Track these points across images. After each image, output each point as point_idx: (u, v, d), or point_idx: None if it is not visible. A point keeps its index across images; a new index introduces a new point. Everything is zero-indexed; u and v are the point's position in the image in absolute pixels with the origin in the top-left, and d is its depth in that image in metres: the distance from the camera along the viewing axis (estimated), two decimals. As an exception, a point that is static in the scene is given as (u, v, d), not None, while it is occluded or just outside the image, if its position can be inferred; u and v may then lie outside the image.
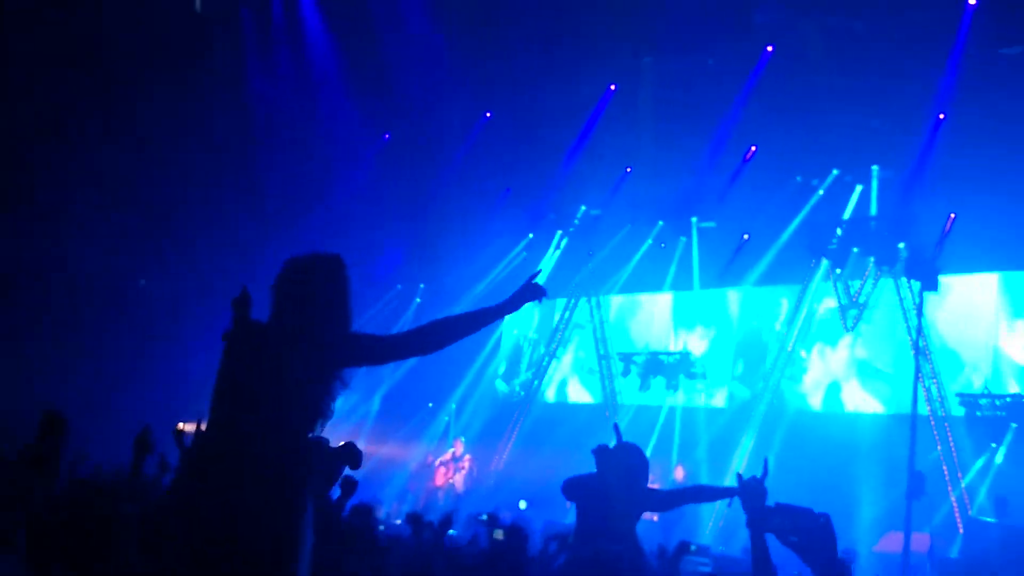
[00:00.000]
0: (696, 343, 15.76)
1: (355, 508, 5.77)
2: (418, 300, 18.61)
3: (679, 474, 12.68)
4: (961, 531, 10.80)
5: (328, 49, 15.48)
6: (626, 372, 15.49)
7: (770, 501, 2.82)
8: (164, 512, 3.40)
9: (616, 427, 5.60)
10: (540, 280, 3.71)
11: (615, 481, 5.32)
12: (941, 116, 12.33)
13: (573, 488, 5.52)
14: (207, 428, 3.23)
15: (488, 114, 15.88)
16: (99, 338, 14.22)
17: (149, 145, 14.42)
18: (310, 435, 3.32)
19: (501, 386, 18.03)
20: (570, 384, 17.54)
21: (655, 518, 9.98)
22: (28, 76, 12.97)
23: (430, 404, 17.21)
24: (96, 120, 13.81)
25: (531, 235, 17.46)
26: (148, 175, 14.69)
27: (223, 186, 15.48)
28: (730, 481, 13.45)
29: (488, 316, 3.55)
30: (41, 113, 13.28)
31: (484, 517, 6.00)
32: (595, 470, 5.48)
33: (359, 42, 14.90)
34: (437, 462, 15.00)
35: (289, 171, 15.80)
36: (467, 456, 14.82)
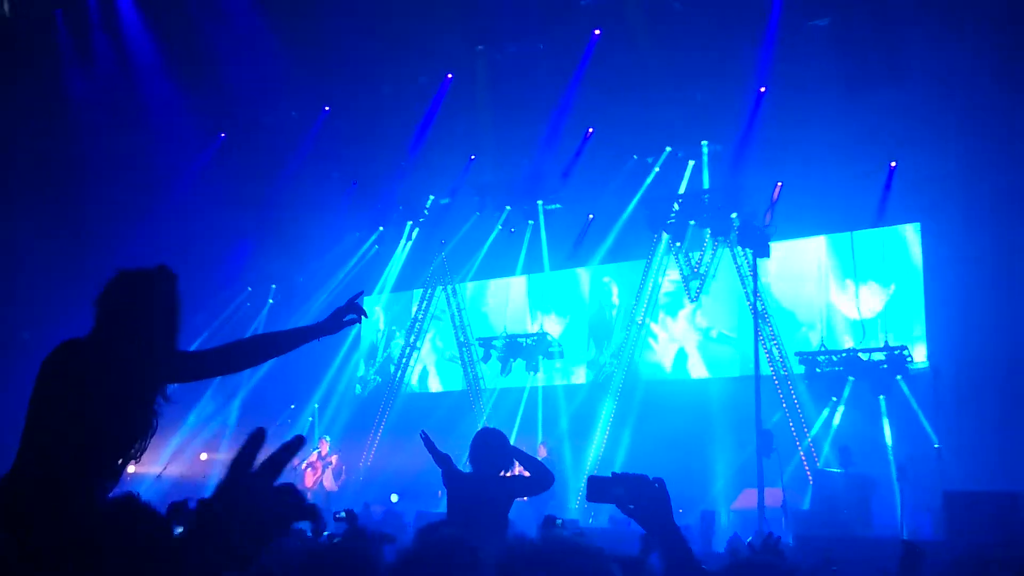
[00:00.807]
0: (552, 323, 16.08)
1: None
2: (271, 301, 18.22)
3: (542, 452, 12.93)
4: (811, 482, 11.42)
5: (152, 48, 14.87)
6: (486, 357, 15.65)
7: (611, 472, 2.94)
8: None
9: (424, 435, 5.72)
10: (363, 298, 3.72)
11: (485, 470, 5.43)
12: (762, 89, 12.95)
13: (448, 478, 5.61)
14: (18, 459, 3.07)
15: (327, 108, 15.64)
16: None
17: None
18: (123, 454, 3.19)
19: (360, 388, 17.93)
20: (431, 373, 17.59)
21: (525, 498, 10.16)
22: None
23: (292, 406, 16.90)
24: None
25: (381, 228, 17.36)
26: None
27: (46, 197, 14.66)
28: (593, 454, 13.85)
29: (303, 336, 3.49)
30: None
31: (342, 514, 5.98)
32: (461, 459, 5.57)
33: (184, 40, 14.37)
34: (304, 464, 14.76)
35: (121, 177, 15.09)
36: (334, 455, 14.66)
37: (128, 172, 15.10)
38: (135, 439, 3.13)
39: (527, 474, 5.65)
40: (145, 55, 14.92)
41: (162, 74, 15.01)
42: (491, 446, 5.59)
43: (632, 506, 2.74)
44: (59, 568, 2.84)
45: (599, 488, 2.81)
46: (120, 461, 3.10)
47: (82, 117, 14.92)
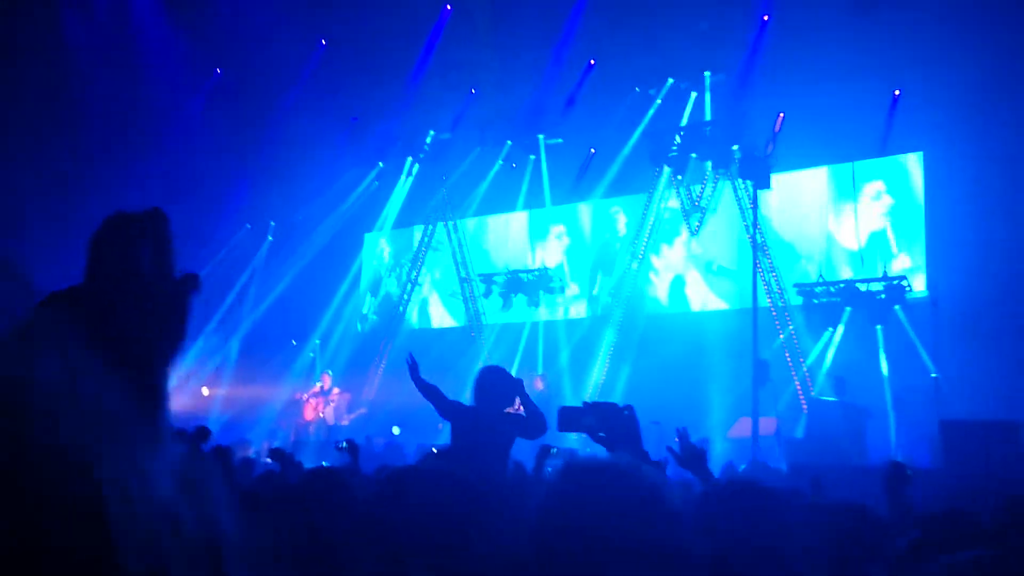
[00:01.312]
0: (553, 258, 16.07)
1: (213, 451, 5.75)
2: (270, 238, 18.22)
3: (538, 385, 13.03)
4: (805, 411, 11.52)
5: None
6: (487, 293, 15.69)
7: (589, 400, 2.96)
8: None
9: (410, 360, 5.97)
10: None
11: (488, 407, 5.49)
12: (765, 17, 12.76)
13: (449, 410, 5.67)
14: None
15: (324, 42, 15.46)
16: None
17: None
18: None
19: (360, 325, 17.99)
20: (432, 308, 17.65)
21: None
22: None
23: (294, 342, 17.02)
24: None
25: (381, 164, 17.28)
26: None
27: (46, 137, 14.61)
28: (592, 387, 13.96)
29: None
30: None
31: (343, 444, 6.07)
32: (462, 395, 5.64)
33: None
34: (305, 396, 14.93)
35: (119, 115, 15.01)
36: (335, 389, 14.79)
37: (125, 112, 15.02)
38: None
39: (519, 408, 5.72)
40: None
41: (157, 12, 14.83)
42: (494, 384, 5.65)
43: (602, 434, 2.78)
44: None
45: (570, 418, 2.84)
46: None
47: (80, 59, 14.79)
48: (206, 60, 15.61)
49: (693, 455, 3.24)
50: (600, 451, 2.96)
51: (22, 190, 14.36)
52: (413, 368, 5.83)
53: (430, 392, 5.76)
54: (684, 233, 14.62)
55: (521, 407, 5.78)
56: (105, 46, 14.79)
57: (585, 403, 2.85)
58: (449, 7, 14.43)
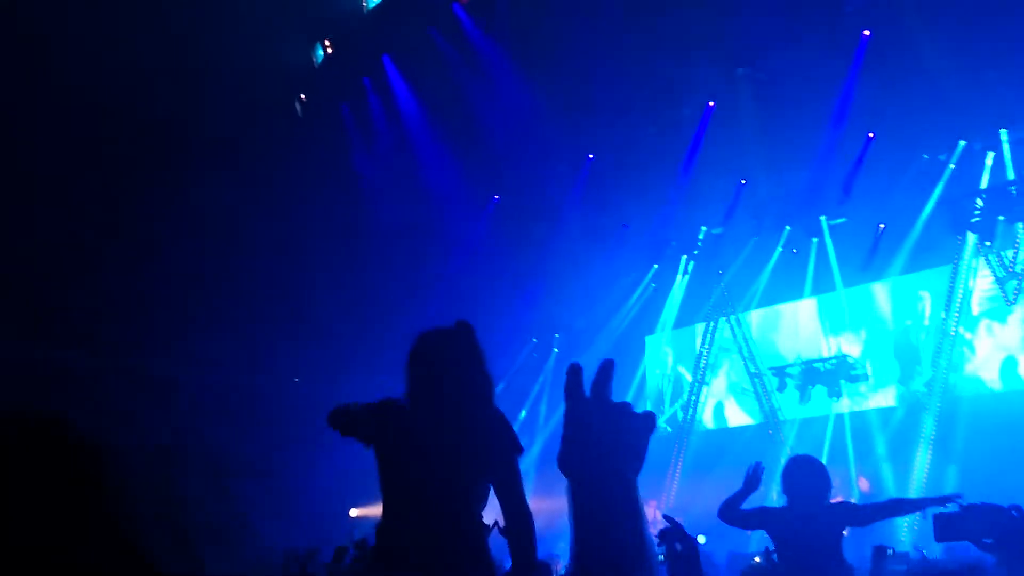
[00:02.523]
0: (850, 345, 15.11)
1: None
2: (556, 350, 18.60)
3: (863, 484, 12.09)
4: None
5: (424, 122, 15.89)
6: (782, 387, 15.00)
7: (958, 503, 2.62)
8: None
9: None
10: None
11: (803, 501, 5.12)
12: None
13: (754, 520, 5.34)
14: (384, 518, 3.20)
15: (591, 156, 15.89)
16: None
17: (268, 246, 15.17)
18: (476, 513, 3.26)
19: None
20: (727, 407, 17.08)
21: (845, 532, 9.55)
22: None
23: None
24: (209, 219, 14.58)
25: (656, 265, 17.26)
26: (279, 276, 15.40)
27: (341, 264, 16.03)
28: (916, 480, 12.78)
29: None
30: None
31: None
32: (767, 496, 5.30)
33: (453, 110, 15.24)
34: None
35: (405, 244, 16.19)
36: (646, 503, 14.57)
37: (411, 239, 16.18)
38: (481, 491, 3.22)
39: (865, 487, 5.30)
40: (419, 130, 15.99)
41: (436, 144, 16.00)
42: (808, 474, 5.27)
43: (990, 540, 2.43)
44: None
45: (948, 525, 2.51)
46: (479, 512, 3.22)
47: (370, 191, 16.22)
48: (482, 185, 16.52)
49: None
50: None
51: (327, 312, 15.77)
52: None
53: (732, 513, 5.38)
54: (1017, 311, 13.23)
55: (840, 497, 5.35)
56: (391, 177, 16.12)
57: (962, 507, 2.50)
58: (712, 103, 14.39)
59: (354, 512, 16.52)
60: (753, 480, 5.33)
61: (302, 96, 16.03)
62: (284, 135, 15.41)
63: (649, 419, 1.35)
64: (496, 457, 3.22)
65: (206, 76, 13.45)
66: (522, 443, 3.27)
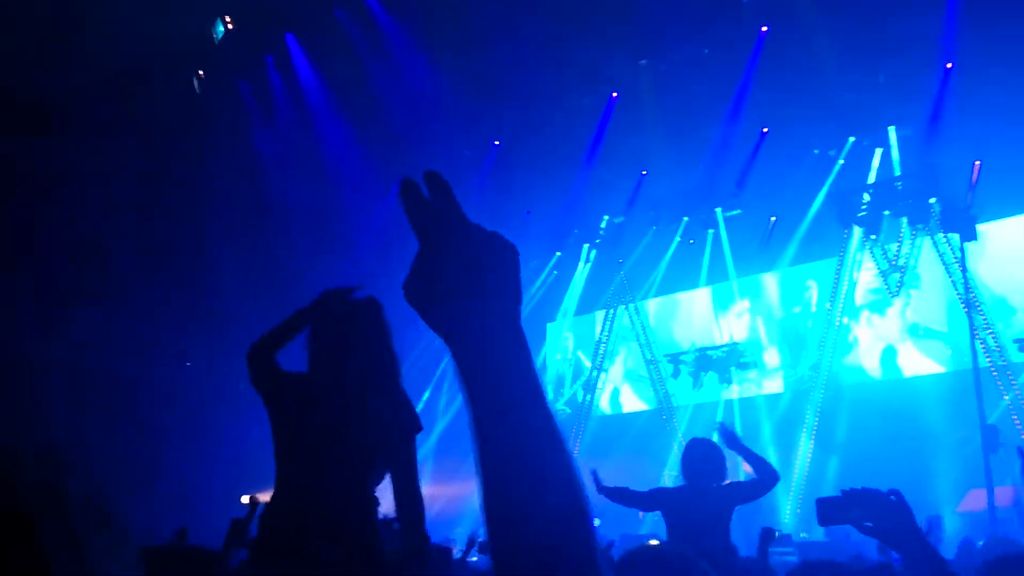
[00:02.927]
0: (742, 333, 15.59)
1: (435, 551, 5.74)
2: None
3: (747, 467, 12.49)
4: (1044, 478, 10.48)
5: (326, 101, 15.65)
6: (676, 373, 15.36)
7: (836, 490, 2.73)
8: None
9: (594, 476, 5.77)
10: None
11: (699, 482, 5.28)
12: (949, 65, 12.16)
13: (650, 500, 5.49)
14: (276, 492, 3.15)
15: (497, 142, 15.92)
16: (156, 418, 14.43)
17: (165, 223, 14.76)
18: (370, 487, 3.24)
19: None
20: (623, 394, 17.41)
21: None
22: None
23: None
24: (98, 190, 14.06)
25: (559, 253, 17.43)
26: (171, 254, 15.00)
27: (245, 253, 15.70)
28: (800, 464, 13.27)
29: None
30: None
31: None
32: (659, 478, 5.46)
33: (357, 90, 15.06)
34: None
35: (309, 229, 15.95)
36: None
37: (314, 220, 15.95)
38: (377, 468, 3.19)
39: (749, 470, 5.48)
40: (323, 111, 15.73)
41: (340, 127, 15.77)
42: (705, 457, 5.43)
43: (870, 524, 2.53)
44: None
45: (831, 510, 2.59)
46: (372, 488, 3.19)
47: (272, 170, 15.91)
48: (387, 167, 16.37)
49: None
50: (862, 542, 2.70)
51: (225, 293, 15.43)
52: (598, 484, 5.72)
53: (620, 496, 5.59)
54: (897, 303, 13.84)
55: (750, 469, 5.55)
56: (293, 157, 15.84)
57: (844, 492, 2.61)
58: (615, 94, 14.58)
59: (245, 499, 16.24)
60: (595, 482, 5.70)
61: (200, 72, 15.57)
62: (182, 111, 14.96)
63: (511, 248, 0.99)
64: (396, 435, 3.21)
65: (100, 49, 12.96)
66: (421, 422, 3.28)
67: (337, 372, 3.20)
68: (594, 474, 5.82)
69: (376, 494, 3.27)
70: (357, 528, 3.08)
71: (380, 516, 3.28)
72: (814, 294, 15.01)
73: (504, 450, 0.95)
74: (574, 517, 0.92)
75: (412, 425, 3.23)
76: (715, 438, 5.85)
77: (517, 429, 0.95)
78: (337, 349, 3.22)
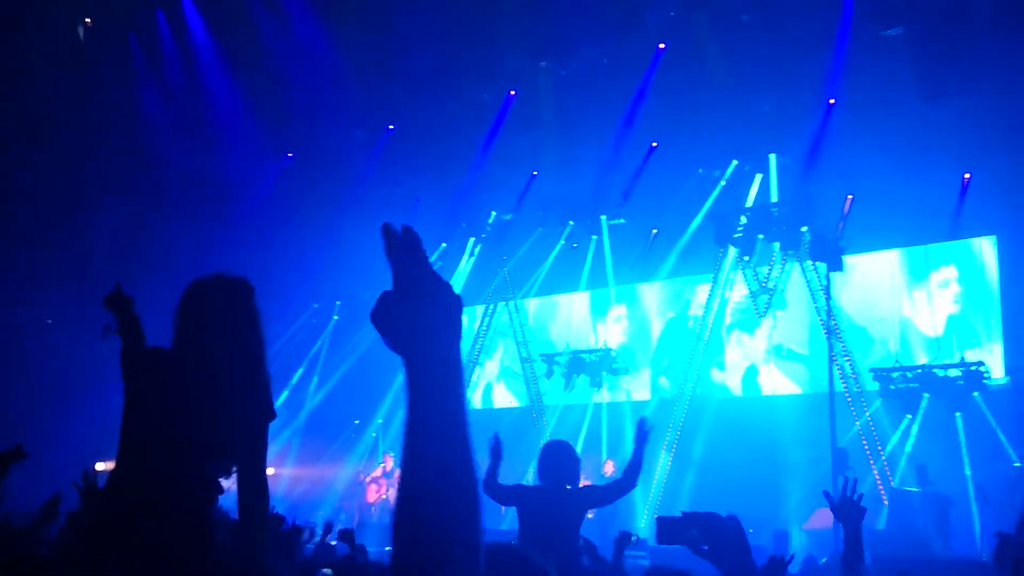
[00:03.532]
0: (616, 339, 15.93)
1: (286, 532, 5.67)
2: (336, 317, 18.37)
3: (608, 468, 12.78)
4: (886, 502, 11.10)
5: (221, 68, 15.18)
6: (549, 373, 15.57)
7: (690, 501, 2.83)
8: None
9: (495, 441, 5.57)
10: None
11: (554, 484, 5.36)
12: (831, 101, 12.71)
13: (510, 496, 5.54)
14: (114, 466, 3.03)
15: (391, 127, 15.77)
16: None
17: (36, 171, 14.02)
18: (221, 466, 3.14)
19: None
20: (495, 389, 17.54)
21: (591, 515, 10.09)
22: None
23: (356, 421, 16.98)
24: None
25: (444, 244, 17.40)
26: (43, 207, 14.26)
27: (121, 215, 15.06)
28: (659, 472, 13.64)
29: None
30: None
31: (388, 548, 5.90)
32: (524, 475, 5.53)
33: (253, 62, 14.67)
34: (368, 478, 14.82)
35: (190, 195, 15.42)
36: (398, 470, 14.67)
37: (199, 187, 15.43)
38: (225, 453, 3.08)
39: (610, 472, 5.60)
40: (214, 75, 15.25)
41: (231, 93, 15.32)
42: (560, 458, 5.53)
43: (706, 547, 2.63)
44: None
45: (670, 529, 2.67)
46: (214, 472, 3.07)
47: (156, 134, 15.30)
48: (277, 140, 16.00)
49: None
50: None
51: (99, 252, 14.76)
52: (496, 454, 5.58)
53: (497, 494, 5.58)
54: (765, 324, 14.38)
55: (588, 481, 5.66)
56: (179, 121, 15.28)
57: (684, 513, 2.70)
58: (513, 92, 14.65)
59: (100, 466, 15.62)
60: (496, 451, 5.52)
61: (87, 20, 14.84)
62: (65, 58, 14.23)
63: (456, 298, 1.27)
64: (247, 422, 3.13)
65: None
66: (275, 410, 3.22)
67: (198, 350, 3.10)
68: (496, 440, 5.66)
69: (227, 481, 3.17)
70: (188, 512, 2.98)
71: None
72: (688, 309, 15.47)
73: (427, 451, 1.23)
74: (469, 514, 1.22)
75: (266, 411, 3.17)
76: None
77: (441, 436, 1.23)
78: (202, 327, 3.12)
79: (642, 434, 5.63)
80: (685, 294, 15.57)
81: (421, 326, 1.25)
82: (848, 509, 3.15)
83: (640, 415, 14.34)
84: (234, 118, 15.37)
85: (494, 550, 2.32)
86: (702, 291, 15.00)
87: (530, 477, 13.47)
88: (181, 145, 15.13)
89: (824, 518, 10.59)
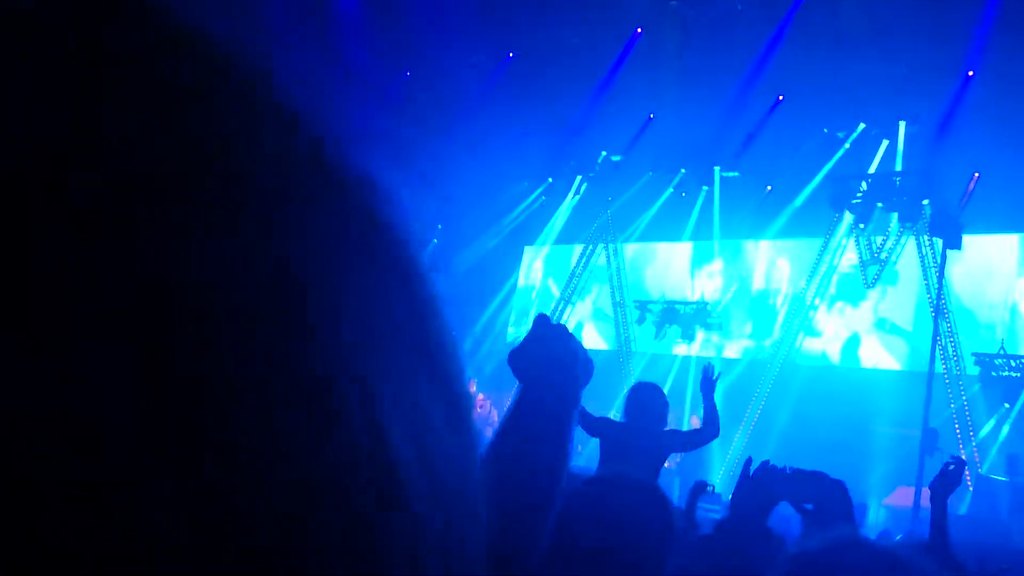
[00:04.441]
0: (713, 294, 15.71)
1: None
2: (435, 241, 18.57)
3: (694, 422, 12.72)
4: (971, 488, 10.82)
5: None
6: (641, 320, 15.49)
7: (784, 464, 2.73)
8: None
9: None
10: None
11: (640, 422, 5.36)
12: (970, 73, 12.10)
13: (597, 427, 5.57)
14: None
15: (511, 54, 15.65)
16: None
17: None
18: None
19: (511, 335, 18.05)
20: (586, 330, 17.55)
21: (670, 464, 10.09)
22: None
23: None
24: None
25: (550, 179, 17.35)
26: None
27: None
28: (742, 434, 13.54)
29: None
30: None
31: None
32: (609, 416, 5.54)
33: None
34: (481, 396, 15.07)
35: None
36: (480, 395, 14.89)
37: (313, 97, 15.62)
38: None
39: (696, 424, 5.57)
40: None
41: (352, 14, 15.37)
42: (649, 398, 5.51)
43: (810, 506, 2.54)
44: None
45: (771, 481, 2.57)
46: None
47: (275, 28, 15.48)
48: (394, 60, 16.04)
49: None
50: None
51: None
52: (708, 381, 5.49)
53: (588, 425, 5.59)
54: (871, 295, 13.97)
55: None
56: (301, 21, 15.36)
57: (791, 469, 2.62)
58: (640, 30, 14.34)
59: None
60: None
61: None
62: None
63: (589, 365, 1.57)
64: None
65: None
66: None
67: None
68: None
69: None
70: None
71: None
72: (788, 271, 15.12)
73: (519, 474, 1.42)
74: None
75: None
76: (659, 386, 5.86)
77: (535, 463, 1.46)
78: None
79: (708, 382, 5.52)
80: (790, 256, 15.19)
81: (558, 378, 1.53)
82: (947, 482, 3.05)
83: (730, 374, 14.23)
84: (352, 33, 15.44)
85: (605, 481, 2.34)
86: (808, 255, 14.61)
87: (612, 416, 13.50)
88: (296, 54, 15.29)
89: (905, 496, 10.39)
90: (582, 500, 1.97)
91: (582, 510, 1.92)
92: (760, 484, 2.51)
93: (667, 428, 5.68)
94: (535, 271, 18.24)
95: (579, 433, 5.66)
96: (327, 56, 15.51)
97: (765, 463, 2.58)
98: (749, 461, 2.63)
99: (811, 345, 14.57)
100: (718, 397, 13.67)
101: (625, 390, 6.68)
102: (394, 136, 15.99)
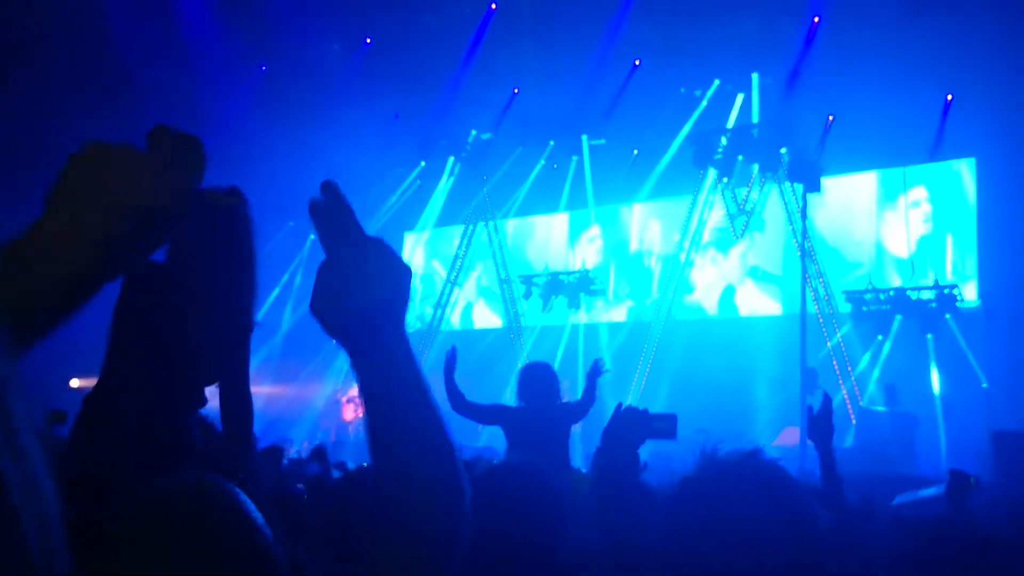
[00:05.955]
0: (593, 260, 15.96)
1: (263, 452, 5.74)
2: (312, 236, 18.22)
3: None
4: (854, 421, 11.32)
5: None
6: (527, 294, 15.61)
7: (659, 409, 2.96)
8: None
9: (451, 355, 5.68)
10: None
11: (537, 404, 5.41)
12: (815, 19, 12.54)
13: (490, 415, 5.59)
14: (98, 381, 3.01)
15: (368, 40, 15.43)
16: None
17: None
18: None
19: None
20: (475, 309, 17.60)
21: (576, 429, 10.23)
22: None
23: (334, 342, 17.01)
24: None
25: (423, 163, 17.24)
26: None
27: (93, 127, 14.77)
28: (633, 392, 13.83)
29: None
30: None
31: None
32: (503, 395, 5.58)
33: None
34: (345, 398, 14.94)
35: (165, 105, 15.10)
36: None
37: (171, 100, 15.10)
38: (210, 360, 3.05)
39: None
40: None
41: (203, 3, 14.89)
42: (541, 379, 5.56)
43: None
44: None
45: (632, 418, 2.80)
46: (197, 381, 3.04)
47: (126, 47, 14.89)
48: (251, 55, 15.62)
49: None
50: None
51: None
52: (450, 366, 5.67)
53: (473, 413, 5.60)
54: (741, 245, 14.41)
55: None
56: (150, 31, 14.84)
57: (649, 410, 2.84)
58: (494, 5, 14.34)
59: (75, 383, 15.62)
60: (449, 364, 5.60)
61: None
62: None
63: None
64: (235, 329, 3.09)
65: None
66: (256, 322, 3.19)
67: (192, 262, 3.06)
68: (452, 354, 5.72)
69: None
70: (171, 419, 2.97)
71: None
72: (660, 230, 15.48)
73: (396, 454, 1.12)
74: (454, 502, 1.13)
75: (249, 325, 3.14)
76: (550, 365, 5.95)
77: (409, 429, 1.13)
78: (196, 240, 3.07)
79: (596, 372, 5.68)
80: (661, 216, 15.55)
81: (378, 313, 1.11)
82: (821, 427, 3.22)
83: (617, 337, 14.43)
84: (205, 28, 14.97)
85: (505, 469, 2.37)
86: (679, 213, 14.97)
87: (508, 396, 13.61)
88: (151, 57, 14.76)
89: (791, 436, 10.81)
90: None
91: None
92: (626, 421, 2.77)
93: (562, 402, 5.75)
94: (418, 256, 18.15)
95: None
96: (183, 60, 15.01)
97: (630, 406, 2.82)
98: (620, 405, 2.89)
99: (690, 299, 14.97)
100: (608, 361, 13.90)
101: (518, 367, 6.73)
102: (256, 132, 15.63)
